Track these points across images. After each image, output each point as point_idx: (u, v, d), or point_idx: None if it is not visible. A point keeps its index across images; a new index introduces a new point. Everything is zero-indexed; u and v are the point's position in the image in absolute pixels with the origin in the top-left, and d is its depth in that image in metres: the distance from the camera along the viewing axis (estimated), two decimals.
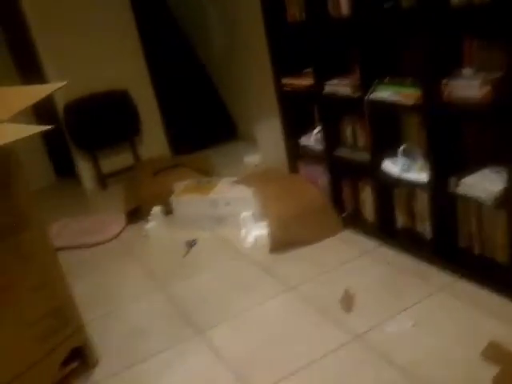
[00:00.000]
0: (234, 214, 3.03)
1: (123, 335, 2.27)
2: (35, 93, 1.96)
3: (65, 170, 4.87)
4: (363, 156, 2.58)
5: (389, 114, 2.43)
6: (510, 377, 1.61)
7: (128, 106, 4.49)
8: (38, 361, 1.87)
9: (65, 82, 2.10)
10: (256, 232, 2.91)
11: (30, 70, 4.30)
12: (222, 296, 2.43)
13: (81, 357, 2.06)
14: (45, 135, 4.64)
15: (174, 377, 1.94)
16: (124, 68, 4.50)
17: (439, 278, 2.22)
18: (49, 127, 1.75)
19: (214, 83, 5.20)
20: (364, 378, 1.74)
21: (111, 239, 3.32)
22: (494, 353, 1.72)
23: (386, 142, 2.45)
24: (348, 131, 2.78)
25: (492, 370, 1.64)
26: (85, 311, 2.11)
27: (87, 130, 4.33)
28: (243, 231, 2.94)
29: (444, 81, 1.98)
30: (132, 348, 2.17)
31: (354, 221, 2.83)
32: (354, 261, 2.51)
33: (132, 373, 2.01)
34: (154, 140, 4.77)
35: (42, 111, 4.16)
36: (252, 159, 4.07)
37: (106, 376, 2.02)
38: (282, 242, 2.71)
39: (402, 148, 2.36)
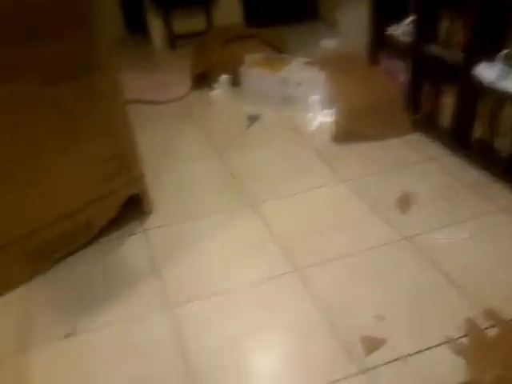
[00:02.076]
0: (302, 95, 2.91)
1: (177, 191, 2.35)
2: None
3: (135, 26, 4.76)
4: (456, 56, 2.35)
5: (496, 8, 2.14)
6: None
7: None
8: (101, 198, 1.98)
9: None
10: (322, 118, 2.82)
11: None
12: (276, 174, 2.43)
13: (137, 205, 2.16)
14: None
15: (221, 239, 2.02)
16: None
17: (504, 197, 2.11)
18: None
19: None
20: (404, 277, 1.75)
21: (176, 100, 3.32)
22: None
23: (486, 43, 2.20)
24: (444, 25, 2.50)
25: None
26: (143, 163, 2.16)
27: None
28: (309, 115, 2.86)
29: None
30: (185, 205, 2.24)
31: (426, 124, 2.67)
32: (418, 165, 2.41)
33: (182, 227, 2.10)
34: (229, 7, 4.55)
35: None
36: (330, 43, 3.83)
37: (157, 226, 2.12)
38: (346, 133, 2.62)
39: (503, 53, 2.12)
